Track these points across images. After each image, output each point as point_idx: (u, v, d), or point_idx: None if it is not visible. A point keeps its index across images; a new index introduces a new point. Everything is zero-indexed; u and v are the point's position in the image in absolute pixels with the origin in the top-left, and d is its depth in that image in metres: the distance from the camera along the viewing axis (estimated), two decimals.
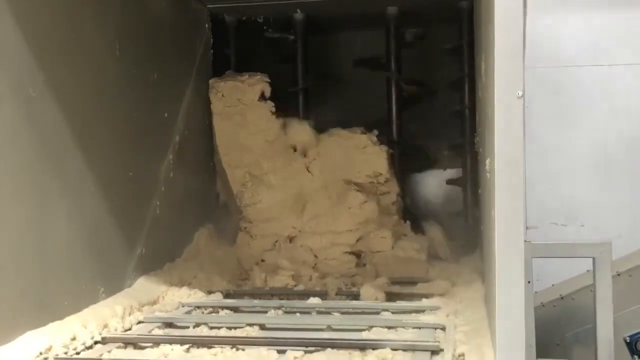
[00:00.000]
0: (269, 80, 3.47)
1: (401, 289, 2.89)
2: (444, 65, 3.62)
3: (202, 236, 3.33)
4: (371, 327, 2.30)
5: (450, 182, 3.68)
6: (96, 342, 2.22)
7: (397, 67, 3.56)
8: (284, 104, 3.45)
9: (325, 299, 2.76)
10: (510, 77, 1.85)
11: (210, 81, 3.50)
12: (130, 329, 2.39)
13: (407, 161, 3.60)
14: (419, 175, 3.71)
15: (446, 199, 3.68)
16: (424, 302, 2.65)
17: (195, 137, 3.35)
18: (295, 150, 3.45)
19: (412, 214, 3.52)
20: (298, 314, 2.55)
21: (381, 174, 3.41)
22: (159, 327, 2.40)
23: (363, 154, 3.41)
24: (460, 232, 3.54)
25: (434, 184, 3.70)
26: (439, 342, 2.10)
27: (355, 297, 2.81)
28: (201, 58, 3.47)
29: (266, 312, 2.57)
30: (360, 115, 3.56)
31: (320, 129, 3.50)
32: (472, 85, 3.19)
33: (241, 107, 3.47)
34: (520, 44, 1.85)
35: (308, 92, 3.61)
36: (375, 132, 3.43)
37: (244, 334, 2.29)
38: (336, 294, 2.88)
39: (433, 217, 3.57)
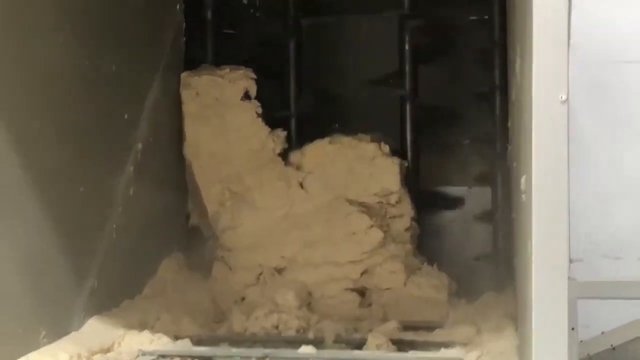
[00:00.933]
0: (254, 76, 3.49)
1: (415, 335, 2.89)
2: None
3: (169, 267, 3.34)
4: None
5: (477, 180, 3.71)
6: None
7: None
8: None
9: (321, 348, 2.76)
10: (552, 77, 1.88)
11: (182, 76, 3.51)
12: None
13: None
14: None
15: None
16: (443, 352, 2.65)
17: (161, 145, 3.37)
18: (282, 159, 3.50)
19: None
20: None
21: (392, 192, 3.41)
22: None
23: (370, 167, 3.42)
24: (487, 258, 3.56)
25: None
26: None
27: (359, 345, 2.80)
28: (171, 47, 3.49)
29: None
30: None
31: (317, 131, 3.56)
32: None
33: (220, 108, 3.48)
34: (564, 35, 1.89)
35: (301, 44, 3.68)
36: (386, 146, 3.47)
37: None
38: (334, 342, 2.87)
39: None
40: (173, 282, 3.28)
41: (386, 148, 3.45)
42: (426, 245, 3.58)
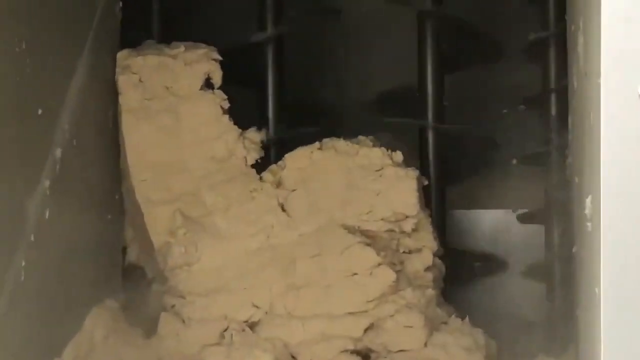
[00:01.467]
0: (219, 57, 3.52)
1: None
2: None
3: (99, 320, 3.30)
4: None
5: (524, 218, 3.79)
6: None
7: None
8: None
9: None
10: (630, 62, 1.90)
11: (120, 55, 3.52)
12: None
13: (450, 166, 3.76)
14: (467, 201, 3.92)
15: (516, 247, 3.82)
16: None
17: (89, 151, 3.35)
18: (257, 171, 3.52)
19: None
20: None
21: (407, 216, 3.42)
22: None
23: (377, 182, 3.42)
24: (539, 308, 3.64)
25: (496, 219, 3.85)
26: None
27: None
28: (101, 17, 3.48)
29: None
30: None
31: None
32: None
33: (171, 99, 3.49)
34: None
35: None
36: (399, 152, 3.52)
37: None
38: None
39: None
40: (105, 341, 3.25)
41: (399, 156, 3.46)
42: (454, 290, 3.63)
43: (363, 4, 3.85)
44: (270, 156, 3.66)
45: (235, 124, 3.50)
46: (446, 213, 3.76)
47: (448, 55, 3.73)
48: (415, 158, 3.67)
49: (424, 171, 3.64)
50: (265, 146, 3.62)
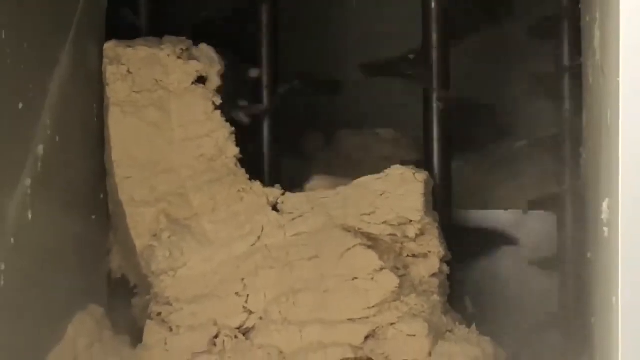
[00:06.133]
0: (221, 65, 3.58)
1: None
2: None
3: (83, 327, 3.31)
4: None
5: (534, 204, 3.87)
6: None
7: None
8: None
9: None
10: None
11: (107, 46, 3.53)
12: None
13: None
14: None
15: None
16: None
17: (73, 148, 3.36)
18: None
19: None
20: None
21: (411, 220, 3.42)
22: None
23: (381, 182, 3.44)
24: (552, 317, 3.67)
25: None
26: None
27: None
28: (86, 5, 3.48)
29: None
30: None
31: None
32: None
33: (161, 93, 3.51)
34: None
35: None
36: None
37: None
38: None
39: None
40: (88, 350, 3.26)
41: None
42: (461, 297, 3.69)
43: None
44: (262, 128, 3.82)
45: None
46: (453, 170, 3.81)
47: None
48: (420, 152, 3.73)
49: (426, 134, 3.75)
50: (257, 116, 3.78)
